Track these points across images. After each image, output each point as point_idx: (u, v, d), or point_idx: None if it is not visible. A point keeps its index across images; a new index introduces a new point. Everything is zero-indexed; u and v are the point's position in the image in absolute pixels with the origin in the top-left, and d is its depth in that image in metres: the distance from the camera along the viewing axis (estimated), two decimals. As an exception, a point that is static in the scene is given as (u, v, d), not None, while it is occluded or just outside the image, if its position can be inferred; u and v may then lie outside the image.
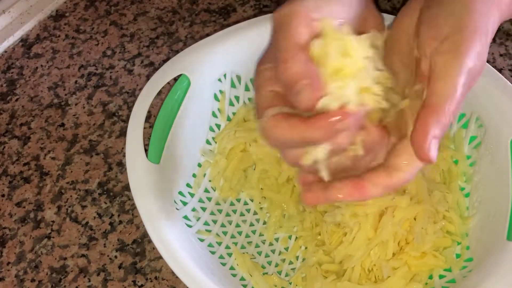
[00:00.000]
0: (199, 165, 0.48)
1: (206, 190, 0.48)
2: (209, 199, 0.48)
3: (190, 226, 0.43)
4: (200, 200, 0.47)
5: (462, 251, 0.43)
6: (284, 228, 0.48)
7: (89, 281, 0.48)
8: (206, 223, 0.45)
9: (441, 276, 0.42)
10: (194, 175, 0.48)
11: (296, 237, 0.47)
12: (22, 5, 0.66)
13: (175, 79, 0.46)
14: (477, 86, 0.34)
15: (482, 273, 0.37)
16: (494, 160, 0.43)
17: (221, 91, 0.49)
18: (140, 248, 0.49)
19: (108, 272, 0.48)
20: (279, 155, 0.33)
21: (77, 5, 0.68)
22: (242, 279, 0.43)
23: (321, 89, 0.29)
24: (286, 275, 0.45)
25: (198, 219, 0.45)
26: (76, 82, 0.61)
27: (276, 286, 0.44)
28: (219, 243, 0.45)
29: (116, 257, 0.49)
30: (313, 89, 0.29)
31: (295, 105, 0.30)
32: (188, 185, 0.47)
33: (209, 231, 0.45)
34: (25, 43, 0.65)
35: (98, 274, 0.48)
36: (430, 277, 0.43)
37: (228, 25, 0.47)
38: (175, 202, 0.43)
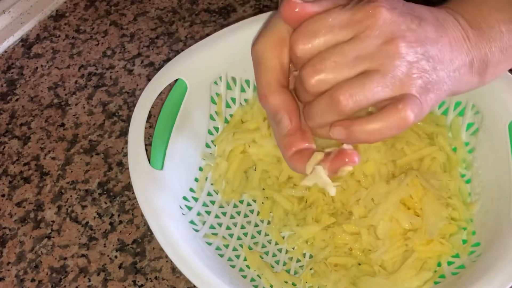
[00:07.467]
0: (200, 169, 0.48)
1: (209, 194, 0.48)
2: (213, 202, 0.48)
3: (197, 231, 0.43)
4: (204, 204, 0.47)
5: (468, 236, 0.43)
6: (288, 226, 0.48)
7: (89, 281, 0.48)
8: (212, 227, 0.45)
9: (449, 263, 0.42)
10: (196, 179, 0.47)
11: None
12: (22, 5, 0.66)
13: (173, 84, 0.46)
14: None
15: (492, 256, 0.38)
16: (493, 145, 0.43)
17: (217, 94, 0.49)
18: (140, 248, 0.49)
19: (108, 272, 0.48)
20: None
21: (77, 5, 0.68)
22: (253, 279, 0.43)
23: (297, 116, 0.32)
24: (295, 272, 0.45)
25: (203, 223, 0.45)
26: (76, 82, 0.61)
27: (286, 282, 0.44)
28: (226, 246, 0.45)
29: (116, 257, 0.49)
30: (291, 118, 0.32)
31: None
32: (191, 189, 0.46)
33: (216, 234, 0.45)
34: (25, 43, 0.65)
35: (98, 274, 0.48)
36: (439, 265, 0.43)
37: (228, 25, 0.47)
38: (180, 207, 0.43)
